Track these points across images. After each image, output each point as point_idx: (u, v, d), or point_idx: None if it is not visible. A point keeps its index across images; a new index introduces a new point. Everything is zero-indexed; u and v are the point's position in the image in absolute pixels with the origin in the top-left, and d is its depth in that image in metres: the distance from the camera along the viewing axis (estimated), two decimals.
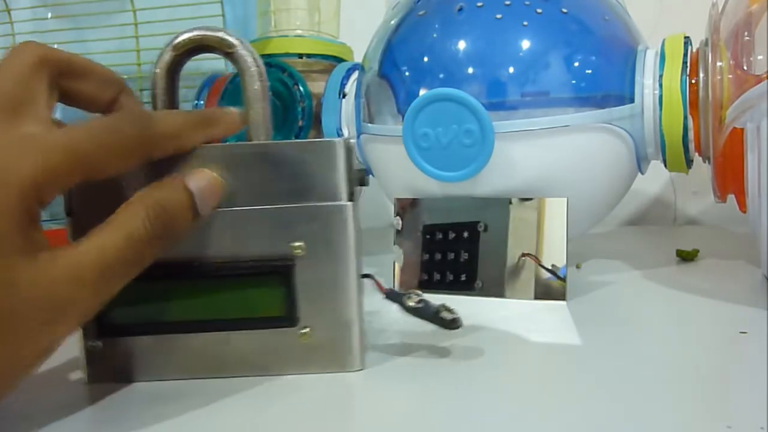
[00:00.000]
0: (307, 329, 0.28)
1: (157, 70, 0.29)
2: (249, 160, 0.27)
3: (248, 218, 0.27)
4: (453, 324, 0.28)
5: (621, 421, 0.23)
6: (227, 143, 0.29)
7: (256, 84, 0.29)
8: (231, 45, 0.29)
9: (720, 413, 0.23)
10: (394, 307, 0.30)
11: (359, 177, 0.28)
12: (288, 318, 0.27)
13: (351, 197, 0.28)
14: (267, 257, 0.27)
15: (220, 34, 0.29)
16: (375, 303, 0.31)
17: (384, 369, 0.28)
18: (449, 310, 0.28)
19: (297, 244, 0.27)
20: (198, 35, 0.29)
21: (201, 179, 0.26)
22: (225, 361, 0.28)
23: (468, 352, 0.30)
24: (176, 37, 0.29)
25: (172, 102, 0.29)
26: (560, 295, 0.38)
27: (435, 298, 0.30)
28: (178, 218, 0.25)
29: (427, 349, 0.30)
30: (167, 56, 0.29)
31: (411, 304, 0.29)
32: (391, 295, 0.30)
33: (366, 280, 0.29)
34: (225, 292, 0.27)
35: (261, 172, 0.27)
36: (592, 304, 0.38)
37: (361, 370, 0.28)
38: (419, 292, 0.29)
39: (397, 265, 0.42)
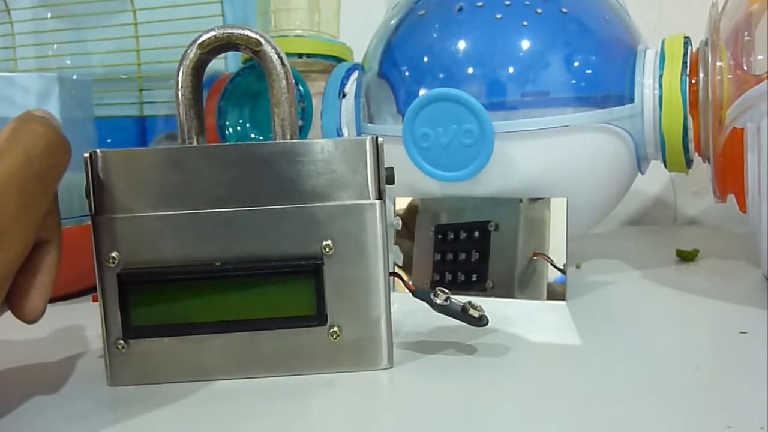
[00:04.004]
0: (336, 328, 0.28)
1: (182, 68, 0.29)
2: (276, 159, 0.27)
3: (276, 217, 0.27)
4: (480, 321, 0.29)
5: (621, 421, 0.23)
6: (255, 142, 0.29)
7: (282, 82, 0.29)
8: (258, 43, 0.29)
9: (720, 413, 0.23)
10: (420, 305, 0.30)
11: (387, 175, 0.28)
12: (317, 317, 0.27)
13: (380, 195, 0.28)
14: (296, 256, 0.27)
15: (246, 32, 0.29)
16: (401, 301, 0.31)
17: (412, 367, 0.28)
18: (475, 308, 0.29)
19: (326, 242, 0.27)
20: (224, 33, 0.29)
21: (38, 111, 0.27)
22: (252, 361, 0.28)
23: (479, 351, 0.30)
24: (201, 35, 0.29)
25: (196, 100, 0.29)
26: (560, 295, 0.38)
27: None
28: (59, 129, 0.26)
29: (453, 346, 0.30)
30: (192, 54, 0.29)
31: (439, 301, 0.29)
32: (419, 294, 0.30)
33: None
34: (253, 292, 0.27)
35: (289, 172, 0.27)
36: (592, 304, 0.38)
37: (390, 368, 0.28)
38: (446, 290, 0.29)
39: (396, 264, 0.42)
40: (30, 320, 0.25)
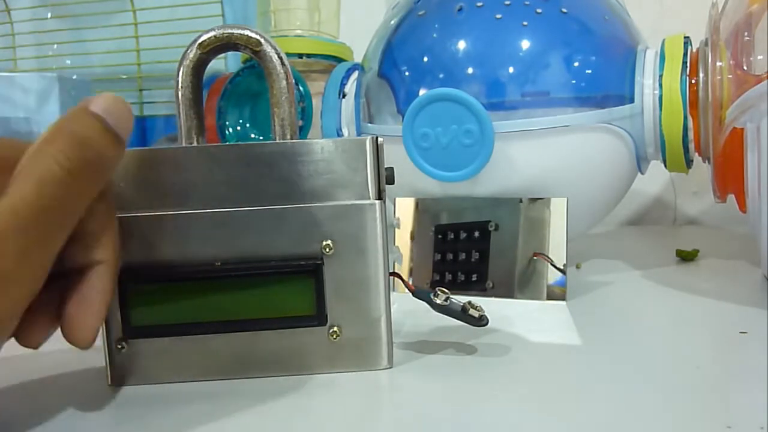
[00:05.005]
0: (336, 328, 0.28)
1: (182, 68, 0.29)
2: (276, 159, 0.27)
3: (276, 217, 0.27)
4: (480, 321, 0.29)
5: (621, 421, 0.23)
6: (255, 142, 0.28)
7: (282, 82, 0.29)
8: (258, 43, 0.29)
9: (720, 413, 0.23)
10: (420, 305, 0.30)
11: (387, 175, 0.28)
12: (317, 317, 0.27)
13: (379, 195, 0.28)
14: (296, 256, 0.27)
15: (246, 32, 0.29)
16: (401, 301, 0.31)
17: (412, 367, 0.28)
18: (475, 308, 0.29)
19: (326, 242, 0.27)
20: (224, 33, 0.29)
21: (103, 101, 0.23)
22: (252, 361, 0.28)
23: (479, 351, 0.30)
24: (201, 35, 0.29)
25: (196, 100, 0.29)
26: (560, 296, 0.38)
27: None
28: (95, 145, 0.23)
29: (453, 346, 0.30)
30: (192, 54, 0.29)
31: (439, 301, 0.29)
32: (419, 294, 0.30)
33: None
34: (253, 292, 0.27)
35: (289, 172, 0.27)
36: (592, 304, 0.38)
37: (390, 368, 0.28)
38: (446, 290, 0.29)
39: (396, 264, 0.42)
40: (80, 346, 0.24)
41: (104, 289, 0.24)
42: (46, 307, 0.24)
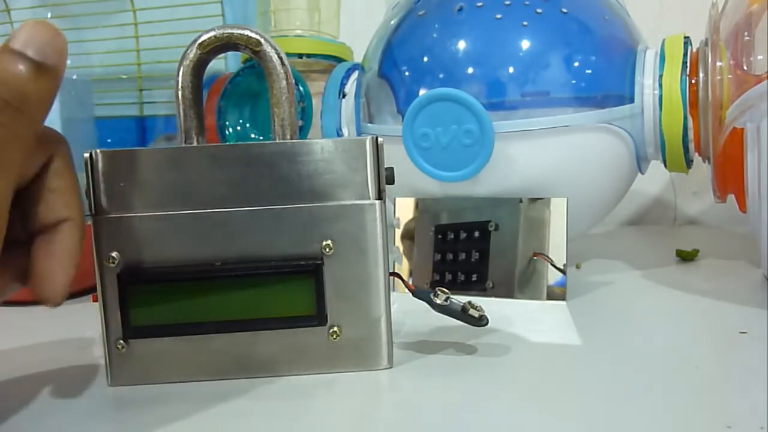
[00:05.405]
0: (336, 328, 0.28)
1: (182, 68, 0.29)
2: (277, 159, 0.27)
3: (276, 217, 0.27)
4: (480, 321, 0.29)
5: (621, 421, 0.23)
6: (255, 142, 0.28)
7: (282, 82, 0.29)
8: (258, 43, 0.29)
9: (720, 413, 0.23)
10: (420, 305, 0.30)
11: (387, 175, 0.28)
12: (317, 317, 0.27)
13: (380, 195, 0.28)
14: (296, 256, 0.27)
15: (246, 32, 0.29)
16: (401, 301, 0.31)
17: (412, 367, 0.28)
18: (475, 308, 0.29)
19: (326, 242, 0.27)
20: (224, 33, 0.29)
21: (23, 33, 0.22)
22: (252, 361, 0.28)
23: (479, 351, 0.30)
24: (201, 35, 0.29)
25: (196, 100, 0.29)
26: (560, 296, 0.38)
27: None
28: (13, 84, 0.22)
29: (453, 346, 0.30)
30: (192, 54, 0.29)
31: (439, 301, 0.29)
32: (419, 294, 0.30)
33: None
34: (253, 292, 0.27)
35: (289, 172, 0.27)
36: (592, 304, 0.38)
37: (390, 368, 0.28)
38: (446, 290, 0.29)
39: (396, 264, 0.42)
40: (50, 304, 0.24)
41: (73, 245, 0.25)
42: (10, 269, 0.25)
